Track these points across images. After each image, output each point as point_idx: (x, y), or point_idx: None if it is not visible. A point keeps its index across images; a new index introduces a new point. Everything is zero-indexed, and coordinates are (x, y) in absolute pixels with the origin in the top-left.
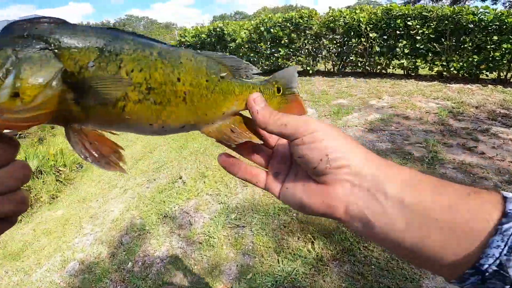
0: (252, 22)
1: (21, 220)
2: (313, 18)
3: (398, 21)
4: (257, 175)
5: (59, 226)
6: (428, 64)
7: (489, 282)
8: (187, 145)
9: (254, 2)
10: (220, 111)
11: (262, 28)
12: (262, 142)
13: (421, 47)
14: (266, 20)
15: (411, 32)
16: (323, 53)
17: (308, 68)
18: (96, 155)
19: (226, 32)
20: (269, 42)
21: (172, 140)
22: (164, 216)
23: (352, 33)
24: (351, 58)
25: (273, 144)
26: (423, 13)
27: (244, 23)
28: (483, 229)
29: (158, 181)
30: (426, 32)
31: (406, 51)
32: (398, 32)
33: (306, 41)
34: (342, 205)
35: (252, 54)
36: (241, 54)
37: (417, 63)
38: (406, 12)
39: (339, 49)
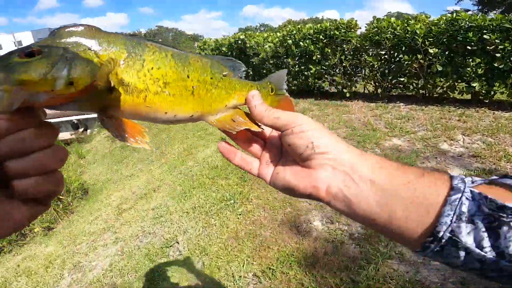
0: (278, 34)
1: (11, 250)
2: (353, 30)
3: (470, 34)
4: (251, 163)
5: (41, 268)
6: (509, 89)
7: (446, 248)
8: (191, 195)
9: (279, 14)
10: (223, 104)
11: (290, 41)
12: (260, 130)
13: (501, 66)
14: (294, 31)
15: (487, 48)
16: (364, 72)
17: (344, 90)
18: (125, 135)
19: (248, 45)
20: (297, 58)
21: (178, 180)
22: None
23: (403, 48)
24: (401, 79)
25: (265, 137)
26: (504, 25)
27: (269, 35)
28: (436, 201)
29: (152, 238)
30: (509, 48)
31: (479, 71)
32: (469, 47)
33: (343, 57)
34: (324, 185)
35: (277, 71)
36: (264, 71)
37: (494, 87)
38: (482, 23)
39: (385, 67)
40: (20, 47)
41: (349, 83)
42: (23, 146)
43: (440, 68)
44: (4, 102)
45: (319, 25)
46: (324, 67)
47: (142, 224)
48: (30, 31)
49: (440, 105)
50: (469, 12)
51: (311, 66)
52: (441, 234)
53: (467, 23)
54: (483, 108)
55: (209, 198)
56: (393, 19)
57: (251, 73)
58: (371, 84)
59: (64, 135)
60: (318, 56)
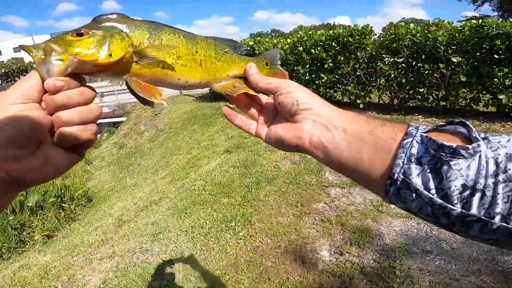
0: (289, 40)
1: (10, 257)
2: (368, 36)
3: (498, 41)
4: (250, 124)
5: (36, 278)
6: None
7: (402, 191)
8: (192, 212)
9: (291, 20)
10: (225, 73)
11: (301, 48)
12: (255, 94)
13: None
14: (305, 38)
15: None
16: (379, 82)
17: (358, 100)
18: (147, 94)
19: (257, 51)
20: (308, 66)
21: (180, 194)
22: None
23: (423, 56)
24: (419, 89)
25: (262, 103)
26: None
27: (279, 41)
28: (393, 145)
29: (148, 256)
30: None
31: (507, 82)
32: (496, 56)
33: (357, 66)
34: (307, 136)
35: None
36: None
37: None
38: (510, 30)
39: (403, 77)
40: (73, 29)
41: (363, 93)
42: (70, 100)
43: (463, 79)
44: (61, 67)
45: (331, 32)
46: (336, 76)
47: (140, 239)
48: (49, 34)
49: (462, 118)
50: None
51: (322, 75)
52: (395, 176)
53: (494, 30)
54: (509, 123)
55: (209, 217)
56: (412, 25)
57: None
58: (386, 94)
59: None
60: (330, 64)
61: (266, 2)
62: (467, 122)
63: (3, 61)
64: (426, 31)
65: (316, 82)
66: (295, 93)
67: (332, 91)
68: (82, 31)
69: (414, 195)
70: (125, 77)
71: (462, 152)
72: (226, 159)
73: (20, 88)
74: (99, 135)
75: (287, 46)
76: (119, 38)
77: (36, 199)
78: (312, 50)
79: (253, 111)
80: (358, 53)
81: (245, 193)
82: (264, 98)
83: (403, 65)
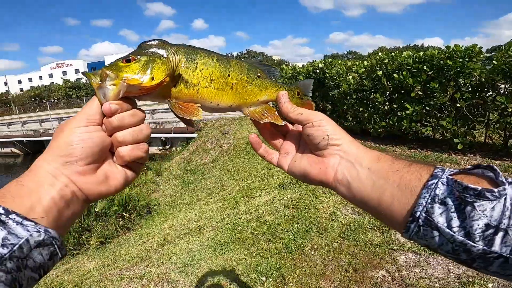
0: (365, 63)
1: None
2: (475, 59)
3: None
4: (272, 154)
5: (71, 284)
6: None
7: (423, 229)
8: (227, 251)
9: (370, 42)
10: (256, 98)
11: (380, 72)
12: (283, 124)
13: None
14: (386, 60)
15: None
16: (488, 116)
17: (455, 139)
18: (187, 113)
19: (328, 75)
20: (389, 93)
21: (223, 225)
22: None
23: None
24: None
25: (287, 130)
26: None
27: (353, 63)
28: (417, 185)
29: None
30: None
31: None
32: None
33: (457, 95)
34: (333, 171)
35: (361, 108)
36: (345, 107)
37: None
38: None
39: None
40: (123, 56)
41: (462, 130)
42: (124, 122)
43: None
44: (114, 92)
45: (421, 53)
46: (427, 107)
47: (172, 266)
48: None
49: None
50: None
51: (407, 105)
52: (418, 214)
53: None
54: None
55: (242, 262)
56: None
57: (329, 107)
58: (497, 132)
59: (153, 150)
60: (419, 92)
61: (343, 23)
62: (495, 167)
63: None
64: None
65: (398, 113)
66: (326, 127)
67: (419, 125)
68: (130, 58)
69: (435, 232)
70: (166, 100)
71: (487, 194)
72: (279, 194)
73: (84, 112)
74: (173, 148)
75: (362, 69)
76: (160, 62)
77: (103, 205)
78: (395, 75)
79: (277, 140)
80: (460, 79)
81: (289, 241)
82: (287, 129)
83: None
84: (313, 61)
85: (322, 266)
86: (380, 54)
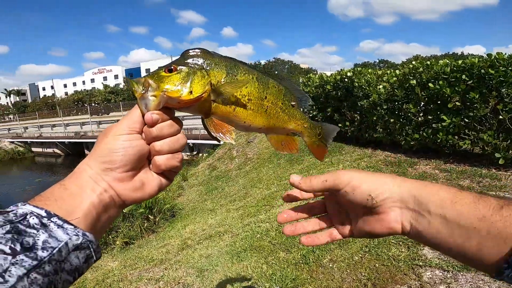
0: (397, 72)
1: None
2: None
3: None
4: (319, 238)
5: (93, 282)
6: None
7: None
8: (244, 258)
9: (403, 50)
10: (283, 126)
11: (414, 82)
12: (297, 153)
13: None
14: (420, 69)
15: None
16: None
17: (496, 153)
18: (218, 132)
19: (357, 84)
20: (423, 104)
21: (243, 233)
22: None
23: None
24: None
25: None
26: None
27: (385, 71)
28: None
29: None
30: None
31: None
32: None
33: (499, 106)
34: (398, 225)
35: (392, 119)
36: (375, 118)
37: None
38: None
39: None
40: (166, 64)
41: (505, 144)
42: (162, 132)
43: None
44: (155, 103)
45: (460, 61)
46: (465, 119)
47: (189, 270)
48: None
49: None
50: None
51: (444, 117)
52: None
53: None
54: None
55: (257, 271)
56: None
57: (357, 118)
58: None
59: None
60: (457, 103)
61: (374, 31)
62: None
63: None
64: None
65: (434, 125)
66: (362, 187)
67: (456, 138)
68: (172, 67)
69: None
70: (201, 114)
71: None
72: (301, 204)
73: (126, 120)
74: (200, 154)
75: (394, 78)
76: (200, 75)
77: (130, 207)
78: (431, 84)
79: (320, 222)
80: (503, 90)
81: (307, 252)
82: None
83: None
84: (341, 69)
85: (340, 279)
86: (413, 62)
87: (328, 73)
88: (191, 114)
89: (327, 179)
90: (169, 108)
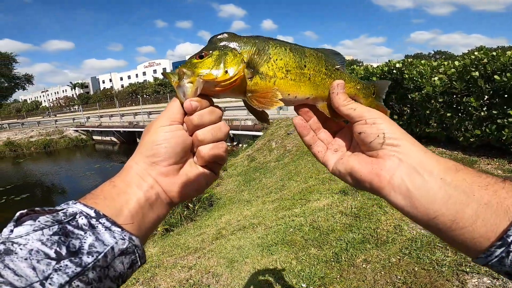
0: (456, 63)
1: None
2: None
3: None
4: (320, 146)
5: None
6: None
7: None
8: (275, 252)
9: (462, 41)
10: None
11: (476, 73)
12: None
13: None
14: (484, 59)
15: None
16: None
17: None
18: (265, 103)
19: (407, 75)
20: (487, 97)
21: (276, 226)
22: None
23: None
24: None
25: (341, 126)
26: None
27: (441, 63)
28: None
29: (214, 282)
30: None
31: None
32: None
33: None
34: (388, 175)
35: (449, 114)
36: (428, 112)
37: None
38: None
39: None
40: (196, 52)
41: None
42: (203, 119)
43: None
44: (192, 89)
45: None
46: None
47: (220, 260)
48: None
49: None
50: None
51: (511, 112)
52: (511, 238)
53: None
54: None
55: (286, 265)
56: None
57: (407, 111)
58: None
59: None
60: None
61: (426, 22)
62: None
63: None
64: None
65: (499, 121)
66: (382, 125)
67: None
68: (203, 53)
69: None
70: (242, 96)
71: None
72: (338, 200)
73: (167, 112)
74: (240, 145)
75: (452, 70)
76: (232, 55)
77: None
78: (496, 77)
79: (325, 135)
80: None
81: (340, 250)
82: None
83: None
84: (389, 61)
85: (372, 281)
86: (476, 53)
87: (375, 65)
88: (233, 105)
89: (357, 109)
90: (206, 95)
